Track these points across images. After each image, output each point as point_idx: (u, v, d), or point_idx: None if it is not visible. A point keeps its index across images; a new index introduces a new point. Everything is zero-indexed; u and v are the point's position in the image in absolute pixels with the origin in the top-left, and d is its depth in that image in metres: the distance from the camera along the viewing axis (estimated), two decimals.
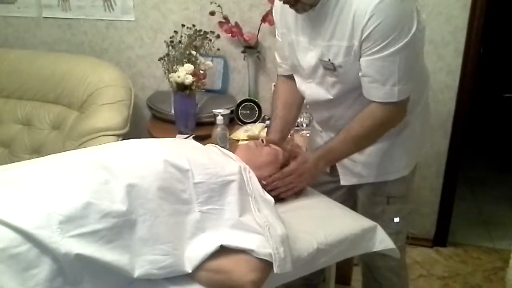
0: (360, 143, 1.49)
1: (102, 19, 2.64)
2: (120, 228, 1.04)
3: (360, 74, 1.39)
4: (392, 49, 1.30)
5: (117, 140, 2.20)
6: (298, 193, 1.51)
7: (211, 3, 2.44)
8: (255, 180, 1.28)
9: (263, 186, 1.36)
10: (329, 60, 1.40)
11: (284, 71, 1.69)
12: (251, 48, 2.44)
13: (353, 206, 1.67)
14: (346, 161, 1.61)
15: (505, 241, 2.71)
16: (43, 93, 2.38)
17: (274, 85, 1.79)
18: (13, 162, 2.25)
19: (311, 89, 1.54)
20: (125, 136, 2.25)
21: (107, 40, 2.69)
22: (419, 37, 1.36)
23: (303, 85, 1.58)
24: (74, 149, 2.11)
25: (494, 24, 3.51)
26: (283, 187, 1.46)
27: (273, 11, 1.62)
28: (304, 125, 2.29)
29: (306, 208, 1.45)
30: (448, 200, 2.65)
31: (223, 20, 2.43)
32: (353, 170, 1.61)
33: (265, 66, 2.52)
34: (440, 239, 2.72)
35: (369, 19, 1.28)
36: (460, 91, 2.44)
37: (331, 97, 1.49)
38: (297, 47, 1.51)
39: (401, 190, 1.65)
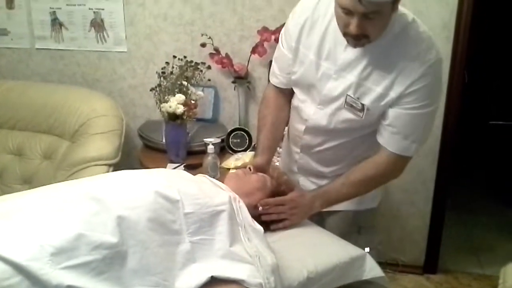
0: (358, 189, 1.52)
1: (94, 50, 2.69)
2: (111, 259, 1.04)
3: (385, 123, 1.41)
4: (426, 110, 1.37)
5: (109, 170, 2.21)
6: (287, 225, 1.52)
7: (202, 35, 2.49)
8: (244, 210, 1.29)
9: (255, 212, 1.38)
10: (358, 98, 1.40)
11: (279, 83, 1.63)
12: (241, 79, 2.49)
13: None
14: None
15: (495, 266, 2.70)
16: (35, 123, 2.39)
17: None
18: (4, 191, 2.27)
19: (318, 115, 1.51)
20: (116, 166, 2.27)
21: (99, 71, 2.72)
22: None
23: (311, 108, 1.53)
24: (66, 178, 2.12)
25: (479, 53, 3.61)
26: (274, 215, 1.47)
27: (291, 24, 1.51)
28: None
29: (295, 236, 1.46)
30: (437, 226, 2.67)
31: (214, 52, 2.48)
32: None
33: (255, 95, 2.56)
34: (430, 266, 2.73)
35: (419, 78, 1.32)
36: (446, 119, 2.49)
37: (331, 129, 1.50)
38: (316, 70, 1.46)
39: (371, 220, 1.71)
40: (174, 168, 2.24)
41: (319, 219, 1.68)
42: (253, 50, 2.43)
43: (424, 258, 2.72)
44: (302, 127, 1.59)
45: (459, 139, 2.63)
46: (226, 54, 2.49)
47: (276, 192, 1.50)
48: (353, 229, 1.65)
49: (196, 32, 2.54)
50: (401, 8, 1.33)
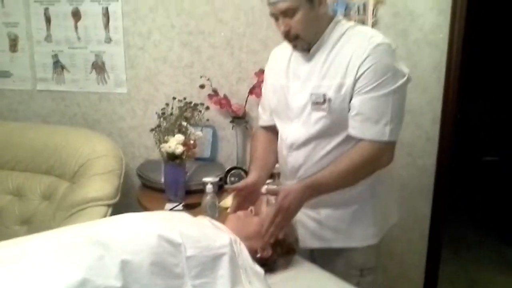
0: (347, 177, 1.52)
1: (95, 92, 2.74)
2: None
3: (353, 114, 1.48)
4: (385, 90, 1.43)
5: (108, 210, 2.23)
6: (288, 262, 1.54)
7: (201, 77, 2.56)
8: (245, 252, 1.32)
9: (255, 255, 1.40)
10: (322, 94, 1.51)
11: (265, 121, 1.83)
12: (239, 118, 2.54)
13: None
14: (312, 224, 1.65)
15: None
16: (35, 164, 2.41)
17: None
18: (2, 232, 2.28)
19: (294, 128, 1.62)
20: (115, 206, 2.29)
21: (99, 112, 2.77)
22: (406, 87, 1.50)
23: (287, 128, 1.66)
24: (65, 219, 2.14)
25: (470, 90, 3.71)
26: (276, 230, 1.45)
27: (267, 68, 1.80)
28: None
29: (295, 279, 1.48)
30: (433, 263, 2.68)
31: (213, 93, 2.55)
32: (317, 233, 1.66)
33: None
34: None
35: (366, 58, 1.43)
36: (440, 156, 2.54)
37: (311, 137, 1.56)
38: (287, 92, 1.63)
39: (372, 260, 1.71)
40: (173, 207, 2.26)
41: (322, 262, 1.69)
42: (251, 91, 2.49)
43: None
44: (286, 151, 1.67)
45: (453, 175, 2.66)
46: (224, 95, 2.55)
47: None
48: (355, 272, 1.66)
49: (195, 74, 2.61)
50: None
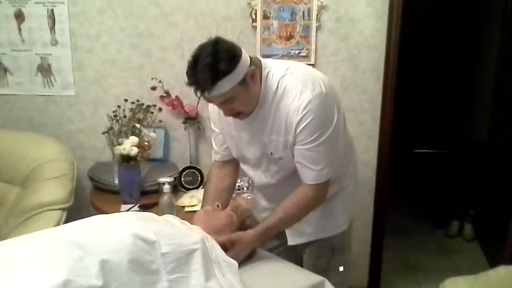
0: (293, 221, 1.68)
1: (41, 95, 2.69)
2: None
3: (294, 159, 1.59)
4: (319, 141, 1.52)
5: (62, 214, 2.22)
6: (251, 255, 1.64)
7: (153, 79, 2.59)
8: (217, 247, 1.39)
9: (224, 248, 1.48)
10: (271, 153, 1.60)
11: (222, 157, 1.84)
12: (192, 119, 2.59)
13: (298, 258, 1.85)
14: None
15: (431, 284, 2.96)
16: None
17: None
18: None
19: (258, 176, 1.74)
20: (69, 210, 2.27)
21: (46, 115, 2.72)
22: (341, 121, 1.59)
23: (251, 172, 1.76)
24: (19, 225, 2.12)
25: (406, 88, 3.97)
26: None
27: (210, 106, 1.74)
28: (245, 188, 2.45)
29: (260, 268, 1.57)
30: (377, 251, 2.88)
31: (165, 94, 2.58)
32: (299, 230, 1.77)
33: (205, 134, 2.67)
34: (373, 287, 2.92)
35: (301, 118, 1.49)
36: (380, 152, 2.74)
37: (276, 182, 1.69)
38: (239, 141, 1.68)
39: (343, 241, 1.87)
40: (129, 208, 2.28)
41: (293, 247, 1.82)
42: None
43: (368, 280, 2.91)
44: (258, 186, 1.81)
45: (391, 167, 2.86)
46: (176, 96, 2.59)
47: (240, 228, 1.62)
48: (326, 252, 1.81)
49: (145, 76, 2.63)
50: (276, 63, 1.57)
